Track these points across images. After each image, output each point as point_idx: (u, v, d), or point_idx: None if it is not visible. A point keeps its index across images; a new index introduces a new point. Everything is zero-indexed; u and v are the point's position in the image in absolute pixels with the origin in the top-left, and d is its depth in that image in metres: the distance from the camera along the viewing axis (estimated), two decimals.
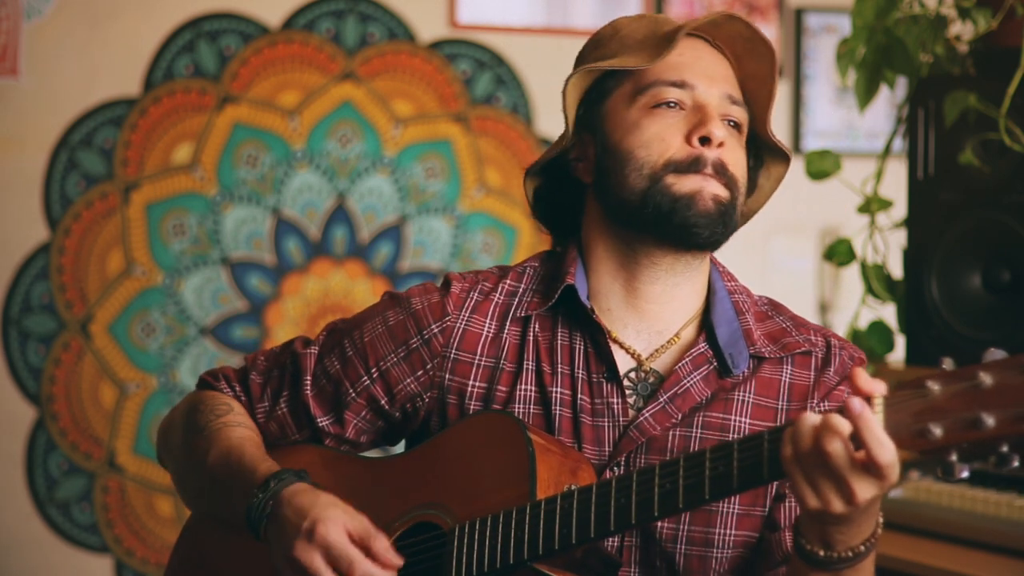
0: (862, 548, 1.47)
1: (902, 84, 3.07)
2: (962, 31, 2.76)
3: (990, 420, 1.32)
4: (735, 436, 1.68)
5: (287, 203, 3.81)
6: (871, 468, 1.39)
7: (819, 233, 4.15)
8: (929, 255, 2.72)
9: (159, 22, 3.73)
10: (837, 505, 1.41)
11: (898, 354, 2.89)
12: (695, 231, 1.67)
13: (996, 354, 1.34)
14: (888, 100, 4.02)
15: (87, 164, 3.68)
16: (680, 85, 1.69)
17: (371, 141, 3.87)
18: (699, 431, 1.69)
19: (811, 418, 1.42)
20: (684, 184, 1.67)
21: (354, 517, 1.63)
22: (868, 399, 1.39)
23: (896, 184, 2.91)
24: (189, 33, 3.74)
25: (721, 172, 1.68)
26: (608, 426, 1.70)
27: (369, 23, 3.86)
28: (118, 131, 3.70)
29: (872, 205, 2.86)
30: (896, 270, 2.90)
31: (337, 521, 1.61)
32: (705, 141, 1.67)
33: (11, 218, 3.66)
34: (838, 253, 2.95)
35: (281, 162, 3.81)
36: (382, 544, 1.61)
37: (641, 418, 1.69)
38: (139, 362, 3.74)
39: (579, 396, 1.71)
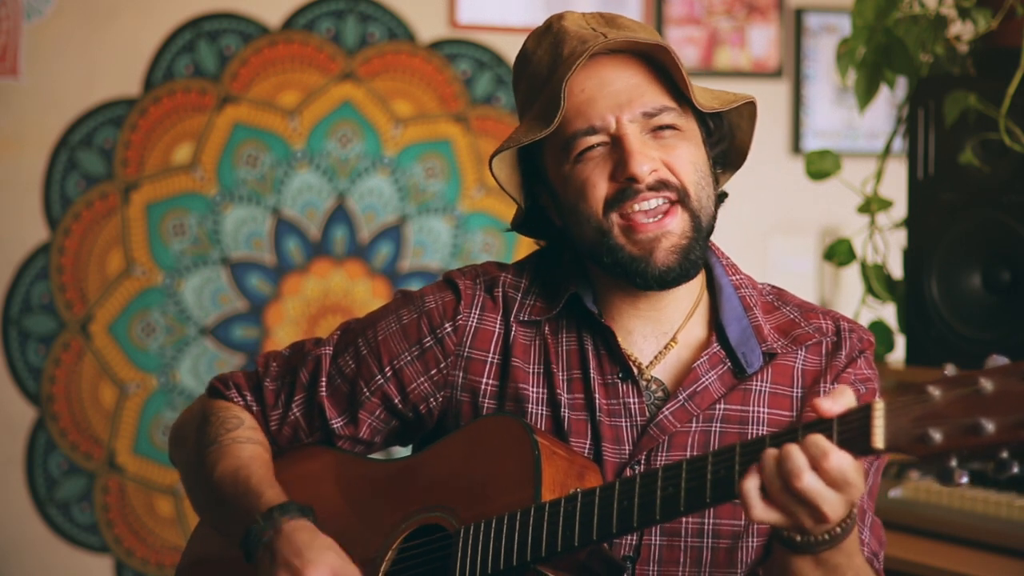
0: (838, 530, 1.47)
1: (902, 84, 3.07)
2: (962, 31, 2.76)
3: (990, 426, 1.32)
4: (755, 427, 1.71)
5: (287, 203, 3.81)
6: (823, 471, 1.40)
7: (819, 233, 4.15)
8: (929, 255, 2.72)
9: (159, 22, 3.73)
10: (808, 522, 1.43)
11: (898, 354, 2.89)
12: (662, 283, 1.68)
13: (998, 360, 1.34)
14: (888, 100, 4.02)
15: (87, 164, 3.68)
16: (592, 131, 1.66)
17: (371, 141, 3.87)
18: (719, 425, 1.71)
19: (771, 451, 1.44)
20: (635, 241, 1.66)
21: (345, 565, 1.63)
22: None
23: (896, 184, 2.91)
24: (189, 33, 3.74)
25: (664, 187, 1.66)
26: (626, 425, 1.71)
27: (369, 23, 3.86)
28: (118, 131, 3.70)
29: (872, 205, 2.86)
30: (896, 270, 2.90)
31: (325, 566, 1.62)
32: (632, 181, 1.65)
33: (11, 218, 3.66)
34: (838, 253, 2.95)
35: (281, 162, 3.81)
36: None
37: (661, 416, 1.70)
38: (139, 362, 3.73)
39: (596, 397, 1.71)
